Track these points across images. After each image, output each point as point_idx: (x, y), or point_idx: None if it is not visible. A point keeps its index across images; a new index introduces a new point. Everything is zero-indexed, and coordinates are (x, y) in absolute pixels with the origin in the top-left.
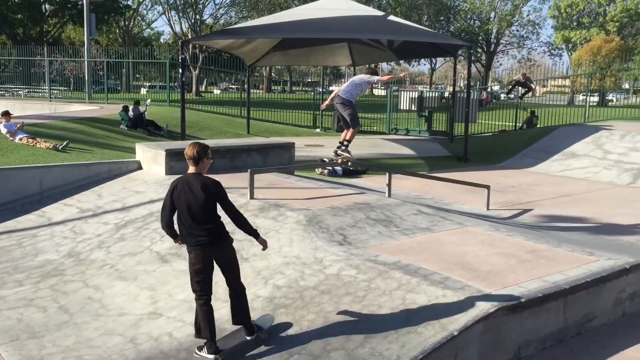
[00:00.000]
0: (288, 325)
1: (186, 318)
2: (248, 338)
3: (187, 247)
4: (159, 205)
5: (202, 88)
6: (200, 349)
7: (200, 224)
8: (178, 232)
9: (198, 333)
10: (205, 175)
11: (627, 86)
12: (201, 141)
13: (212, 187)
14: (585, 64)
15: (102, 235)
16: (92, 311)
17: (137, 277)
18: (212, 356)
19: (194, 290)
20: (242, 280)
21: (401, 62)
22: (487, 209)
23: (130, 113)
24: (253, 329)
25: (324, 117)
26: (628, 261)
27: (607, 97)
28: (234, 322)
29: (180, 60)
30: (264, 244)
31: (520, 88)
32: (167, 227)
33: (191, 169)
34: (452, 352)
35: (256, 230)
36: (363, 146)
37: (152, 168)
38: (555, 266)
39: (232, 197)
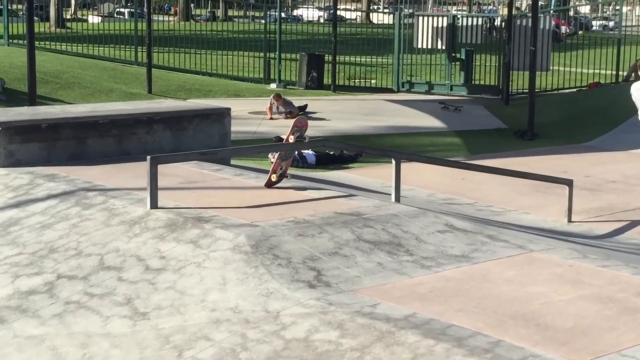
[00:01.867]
0: None
1: None
2: None
3: None
4: None
5: (70, 14)
6: None
7: None
8: None
9: None
10: None
11: None
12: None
13: None
14: None
15: None
16: None
17: None
18: None
19: None
20: (135, 347)
21: None
22: (569, 220)
23: None
24: None
25: (284, 64)
26: None
27: None
28: None
29: None
30: None
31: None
32: None
33: None
34: None
35: None
36: (353, 113)
37: None
38: None
39: (117, 204)
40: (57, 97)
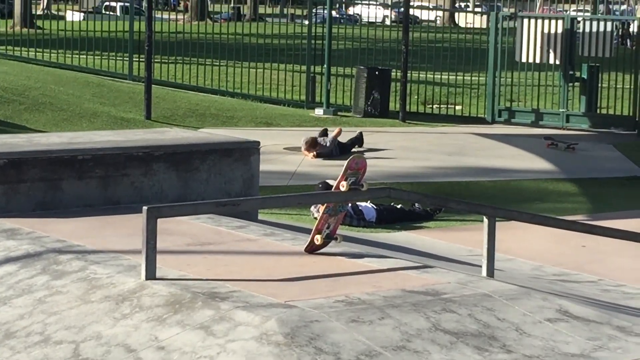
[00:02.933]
0: None
1: None
2: None
3: None
4: None
5: (41, 9)
6: None
7: None
8: None
9: None
10: None
11: None
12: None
13: None
14: None
15: None
16: None
17: None
18: None
19: None
20: None
21: None
22: None
23: None
24: None
25: (335, 82)
26: None
27: None
28: None
29: None
30: None
31: None
32: None
33: None
34: None
35: None
36: (430, 152)
37: None
38: None
39: (101, 273)
40: (21, 123)
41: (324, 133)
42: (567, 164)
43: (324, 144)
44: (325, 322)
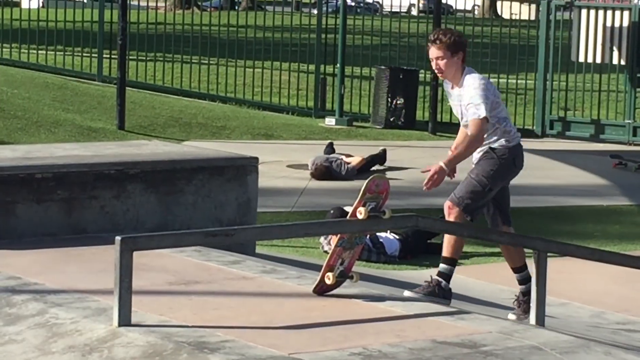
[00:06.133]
0: None
1: None
2: None
3: None
4: None
5: None
6: None
7: None
8: None
9: None
10: None
11: None
12: None
13: None
14: None
15: None
16: None
17: None
18: None
19: None
20: None
21: None
22: None
23: None
24: None
25: (350, 85)
26: None
27: None
28: None
29: None
30: None
31: None
32: None
33: None
34: None
35: None
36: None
37: None
38: None
39: (64, 317)
40: None
41: (330, 148)
42: (637, 188)
43: (337, 170)
44: None
